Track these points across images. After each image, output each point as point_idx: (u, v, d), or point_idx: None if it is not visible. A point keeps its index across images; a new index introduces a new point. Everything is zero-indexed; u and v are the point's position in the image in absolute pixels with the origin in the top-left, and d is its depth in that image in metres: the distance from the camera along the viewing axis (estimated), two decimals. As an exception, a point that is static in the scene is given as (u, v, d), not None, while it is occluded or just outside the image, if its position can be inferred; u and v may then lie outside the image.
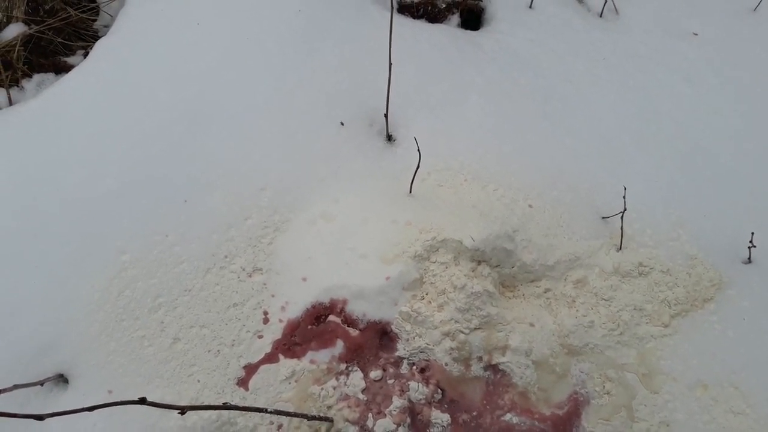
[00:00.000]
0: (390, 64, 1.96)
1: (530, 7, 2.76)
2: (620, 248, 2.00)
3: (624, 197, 1.98)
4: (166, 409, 1.60)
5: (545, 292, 1.92)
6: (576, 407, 1.77)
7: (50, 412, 1.16)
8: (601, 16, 2.81)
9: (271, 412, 1.45)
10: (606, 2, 2.76)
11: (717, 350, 1.88)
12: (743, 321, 1.93)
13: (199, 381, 1.73)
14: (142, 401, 1.14)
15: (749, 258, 2.02)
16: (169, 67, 2.22)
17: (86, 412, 1.14)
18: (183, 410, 1.23)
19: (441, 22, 2.73)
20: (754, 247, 1.97)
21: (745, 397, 1.82)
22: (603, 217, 2.07)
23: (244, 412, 1.69)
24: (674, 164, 2.24)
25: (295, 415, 1.57)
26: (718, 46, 2.68)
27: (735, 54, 2.65)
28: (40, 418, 1.13)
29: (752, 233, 1.96)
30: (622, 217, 1.98)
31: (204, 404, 1.30)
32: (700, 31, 2.73)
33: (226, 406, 1.33)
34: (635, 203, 2.09)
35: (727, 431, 1.77)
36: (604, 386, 1.81)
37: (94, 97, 2.13)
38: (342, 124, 2.18)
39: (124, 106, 2.12)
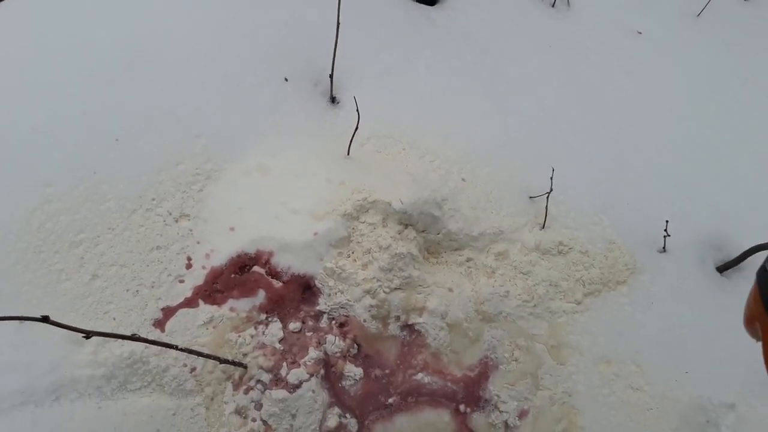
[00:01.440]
0: (338, 24, 1.96)
1: (486, -12, 2.80)
2: (543, 227, 2.07)
3: (551, 178, 2.04)
4: (76, 342, 1.60)
5: (467, 261, 1.98)
6: (485, 371, 1.84)
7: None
8: (553, 6, 2.88)
9: (180, 349, 1.46)
10: (559, -8, 2.83)
11: (624, 330, 1.98)
12: (651, 305, 2.04)
13: (114, 319, 1.71)
14: (45, 319, 1.13)
15: (664, 247, 2.12)
16: (114, 6, 2.16)
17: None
18: (89, 334, 1.22)
19: (397, -7, 2.74)
20: (669, 236, 2.08)
21: (644, 375, 1.92)
22: (531, 197, 2.14)
23: (158, 352, 1.69)
24: (605, 152, 2.33)
25: (207, 356, 1.58)
26: (659, 46, 2.78)
27: (675, 55, 2.77)
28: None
29: (666, 222, 2.06)
30: (547, 198, 2.05)
31: (112, 333, 1.29)
32: (645, 30, 2.83)
33: (134, 337, 1.32)
34: (564, 186, 2.17)
35: (625, 404, 1.88)
36: (513, 353, 1.88)
37: (31, 28, 2.06)
38: (286, 80, 2.18)
39: (63, 40, 2.06)
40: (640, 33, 2.82)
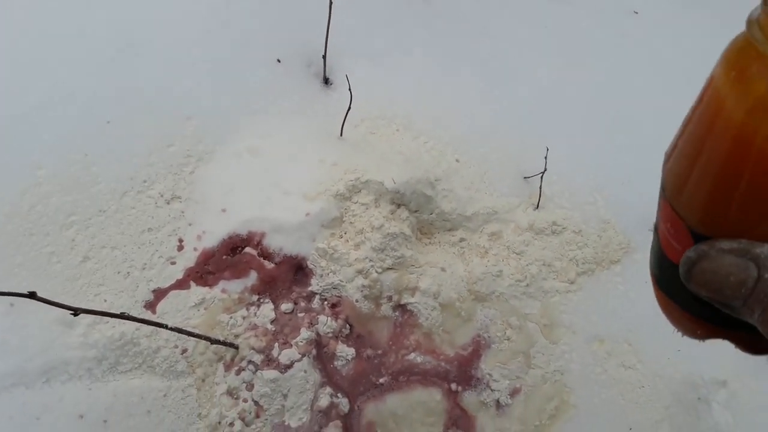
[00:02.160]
0: (330, 3, 1.94)
1: (482, -32, 2.77)
2: (537, 207, 2.06)
3: (546, 158, 2.03)
4: (67, 324, 1.60)
5: (460, 241, 1.97)
6: (477, 350, 1.84)
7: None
8: (550, -14, 2.85)
9: (171, 329, 1.46)
10: (555, -28, 2.80)
11: (617, 308, 1.98)
12: (645, 284, 2.02)
13: (105, 301, 1.71)
14: (32, 295, 1.13)
15: (658, 227, 2.11)
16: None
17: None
18: (76, 312, 1.22)
19: (392, -27, 2.71)
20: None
21: (636, 353, 1.92)
22: (525, 177, 2.13)
23: (150, 334, 1.69)
24: (600, 132, 2.31)
25: (198, 336, 1.57)
26: (656, 26, 2.75)
27: (672, 34, 2.74)
28: None
29: (661, 201, 2.04)
30: (541, 177, 2.04)
31: (100, 310, 1.29)
32: (642, 10, 2.80)
33: (123, 316, 1.32)
34: (558, 166, 2.15)
35: (617, 382, 1.88)
36: (505, 332, 1.88)
37: (23, 10, 2.05)
38: (279, 61, 2.16)
39: (56, 21, 2.05)
40: (637, 13, 2.79)
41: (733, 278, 0.42)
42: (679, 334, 0.58)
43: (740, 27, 0.43)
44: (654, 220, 0.57)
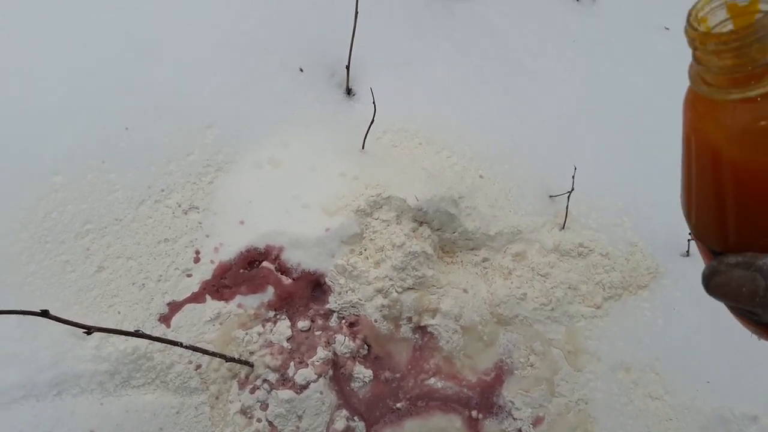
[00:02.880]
0: (356, 13, 1.90)
1: (509, -20, 2.72)
2: (563, 227, 2.00)
3: (573, 177, 1.97)
4: (79, 336, 1.56)
5: (483, 261, 1.91)
6: (500, 375, 1.78)
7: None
8: (578, 0, 2.79)
9: (185, 347, 1.41)
10: (584, -15, 2.74)
11: (644, 336, 1.91)
12: (674, 311, 1.96)
13: (119, 312, 1.67)
14: (44, 314, 1.09)
15: (687, 251, 2.05)
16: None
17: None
18: (90, 330, 1.18)
19: (417, -17, 2.67)
20: (693, 240, 2.00)
21: (664, 384, 1.85)
22: (551, 196, 2.07)
23: (163, 348, 1.65)
24: (628, 151, 2.25)
25: (213, 354, 1.53)
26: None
27: (703, 53, 2.67)
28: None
29: (692, 226, 1.97)
30: (568, 197, 1.98)
31: (114, 328, 1.25)
32: (672, 26, 2.74)
33: (137, 334, 1.28)
34: (585, 186, 2.09)
35: (643, 414, 1.81)
36: (528, 358, 1.81)
37: (41, 12, 2.02)
38: (301, 70, 2.12)
39: (74, 24, 2.01)
40: (668, 29, 2.72)
41: (745, 289, 0.46)
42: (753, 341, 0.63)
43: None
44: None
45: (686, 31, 0.49)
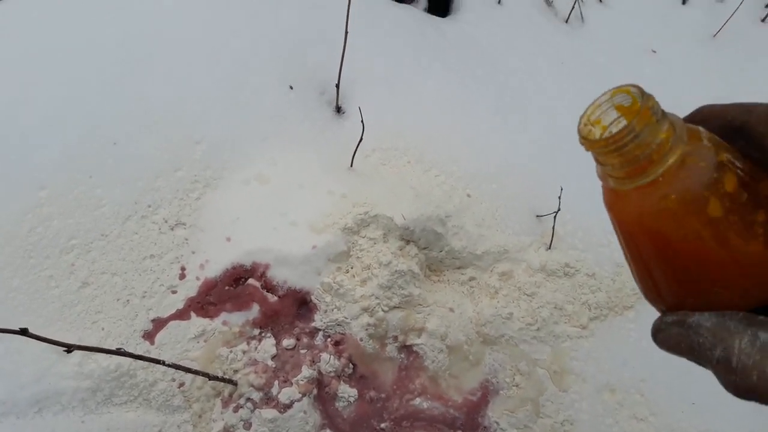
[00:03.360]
0: (346, 32, 1.91)
1: (499, 2, 2.75)
2: (550, 247, 2.01)
3: (560, 197, 1.98)
4: (61, 353, 1.54)
5: (470, 280, 1.92)
6: (485, 395, 1.77)
7: None
8: (566, 21, 2.83)
9: (168, 365, 1.40)
10: (573, 9, 2.78)
11: (629, 357, 1.91)
12: (659, 332, 1.96)
13: (103, 329, 1.66)
14: (23, 332, 1.08)
15: (673, 272, 2.05)
16: (117, 5, 2.12)
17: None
18: (70, 348, 1.17)
19: (409, 3, 2.70)
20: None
21: (649, 405, 1.85)
22: (538, 216, 2.08)
23: (146, 366, 1.64)
24: (615, 173, 2.26)
25: (196, 372, 1.52)
26: (674, 66, 2.72)
27: (690, 75, 2.70)
28: None
29: (677, 247, 1.99)
30: (555, 217, 1.99)
31: (94, 346, 1.24)
32: (660, 49, 2.77)
33: (119, 352, 1.27)
34: (572, 206, 2.10)
35: (627, 436, 1.80)
36: (514, 378, 1.81)
37: (30, 26, 2.02)
38: (291, 88, 2.13)
39: (63, 38, 2.01)
40: (655, 52, 2.76)
41: (683, 344, 0.51)
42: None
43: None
44: None
45: (579, 139, 0.55)
